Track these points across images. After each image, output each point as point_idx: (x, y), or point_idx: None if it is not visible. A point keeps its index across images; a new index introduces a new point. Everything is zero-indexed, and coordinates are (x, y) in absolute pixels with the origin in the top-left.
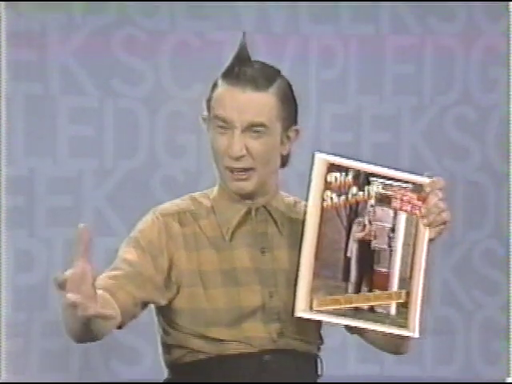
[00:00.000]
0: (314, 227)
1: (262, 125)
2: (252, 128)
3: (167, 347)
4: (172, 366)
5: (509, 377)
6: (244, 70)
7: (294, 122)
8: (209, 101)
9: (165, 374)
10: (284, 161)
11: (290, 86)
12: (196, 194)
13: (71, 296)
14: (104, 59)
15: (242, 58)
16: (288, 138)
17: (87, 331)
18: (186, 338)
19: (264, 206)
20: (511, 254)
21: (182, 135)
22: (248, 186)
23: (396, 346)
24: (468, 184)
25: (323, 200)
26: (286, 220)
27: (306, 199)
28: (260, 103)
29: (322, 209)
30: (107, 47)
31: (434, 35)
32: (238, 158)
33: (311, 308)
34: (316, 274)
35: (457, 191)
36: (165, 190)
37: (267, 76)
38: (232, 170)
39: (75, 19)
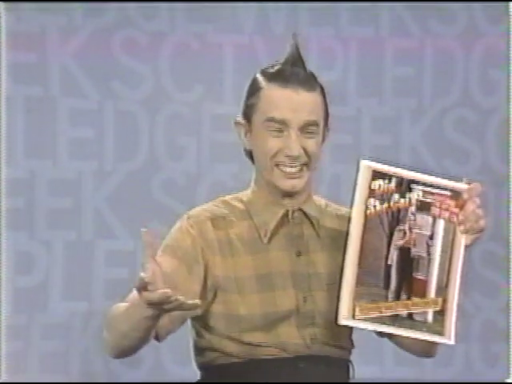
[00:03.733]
0: (357, 235)
1: (315, 124)
2: (307, 127)
3: (200, 350)
4: (204, 368)
5: (508, 379)
6: (296, 70)
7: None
8: (252, 106)
9: (164, 377)
10: None
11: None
12: (228, 198)
13: (163, 292)
14: (104, 61)
15: (294, 60)
16: (323, 138)
17: (143, 337)
18: (220, 341)
19: (300, 209)
20: (511, 256)
21: (182, 137)
22: (300, 183)
23: (425, 349)
24: None
25: (367, 208)
26: (320, 222)
27: (351, 205)
28: (312, 103)
29: (366, 216)
30: (107, 49)
31: (434, 37)
32: (295, 158)
33: (354, 316)
34: (359, 282)
35: None
36: (165, 192)
37: (314, 76)
38: (285, 169)
39: (75, 21)
